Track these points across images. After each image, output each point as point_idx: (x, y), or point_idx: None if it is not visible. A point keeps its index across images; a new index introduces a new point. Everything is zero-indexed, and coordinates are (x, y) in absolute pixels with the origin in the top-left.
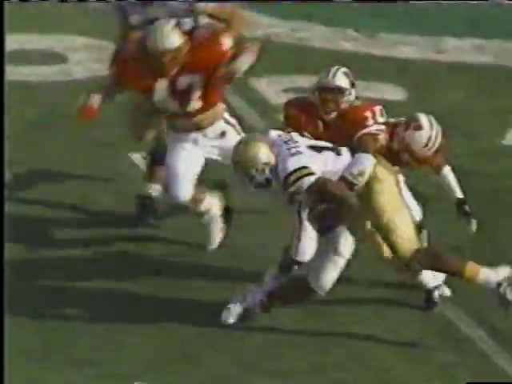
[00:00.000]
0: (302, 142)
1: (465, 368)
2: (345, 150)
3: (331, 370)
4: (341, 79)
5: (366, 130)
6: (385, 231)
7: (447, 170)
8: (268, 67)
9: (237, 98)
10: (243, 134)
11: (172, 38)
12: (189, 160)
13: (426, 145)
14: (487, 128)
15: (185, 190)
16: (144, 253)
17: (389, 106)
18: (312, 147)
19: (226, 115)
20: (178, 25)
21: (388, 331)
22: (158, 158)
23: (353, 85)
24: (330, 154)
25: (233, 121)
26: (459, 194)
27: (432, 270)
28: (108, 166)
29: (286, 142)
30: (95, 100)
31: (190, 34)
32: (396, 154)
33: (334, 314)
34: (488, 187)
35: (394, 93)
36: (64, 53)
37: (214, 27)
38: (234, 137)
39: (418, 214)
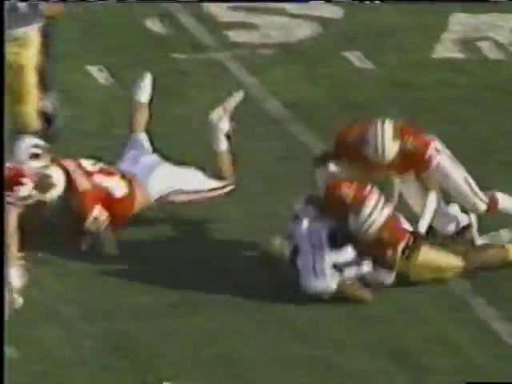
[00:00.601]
0: (329, 256)
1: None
2: (367, 263)
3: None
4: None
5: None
6: (437, 276)
7: (432, 195)
8: None
9: (186, 16)
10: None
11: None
12: None
13: (376, 156)
14: (417, 43)
15: None
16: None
17: (327, 23)
18: (336, 266)
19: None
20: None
21: None
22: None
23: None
24: (350, 271)
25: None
26: (422, 227)
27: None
28: (65, 77)
29: (313, 248)
30: None
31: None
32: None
33: None
34: (419, 97)
35: (332, 11)
36: None
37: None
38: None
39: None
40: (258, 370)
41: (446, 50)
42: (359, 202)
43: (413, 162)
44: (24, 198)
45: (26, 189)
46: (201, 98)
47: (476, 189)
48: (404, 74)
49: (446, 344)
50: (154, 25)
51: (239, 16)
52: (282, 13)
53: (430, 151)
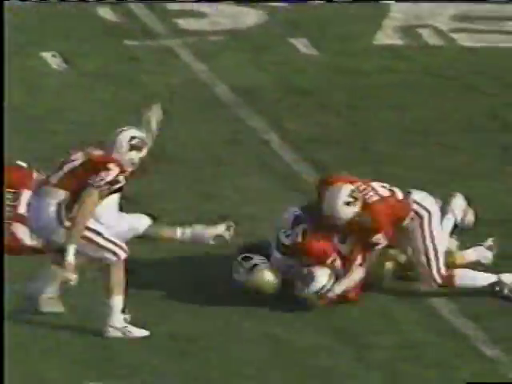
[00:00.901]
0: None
1: None
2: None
3: None
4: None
5: None
6: None
7: (359, 270)
8: None
9: (137, 4)
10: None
11: None
12: None
13: (329, 215)
14: (360, 30)
15: None
16: None
17: (274, 11)
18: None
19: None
20: None
21: None
22: None
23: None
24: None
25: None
26: (337, 290)
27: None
28: (22, 63)
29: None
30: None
31: None
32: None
33: None
34: (362, 83)
35: (279, 4)
36: None
37: None
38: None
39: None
40: (209, 347)
41: (386, 36)
42: (314, 269)
43: (361, 237)
44: (108, 183)
45: (112, 174)
46: (152, 84)
47: (435, 262)
48: (347, 60)
49: (388, 321)
50: (106, 13)
51: (189, 4)
52: (230, 1)
53: (377, 239)
